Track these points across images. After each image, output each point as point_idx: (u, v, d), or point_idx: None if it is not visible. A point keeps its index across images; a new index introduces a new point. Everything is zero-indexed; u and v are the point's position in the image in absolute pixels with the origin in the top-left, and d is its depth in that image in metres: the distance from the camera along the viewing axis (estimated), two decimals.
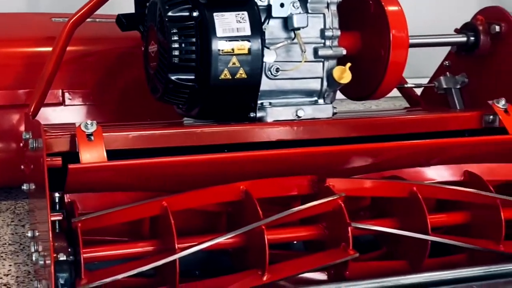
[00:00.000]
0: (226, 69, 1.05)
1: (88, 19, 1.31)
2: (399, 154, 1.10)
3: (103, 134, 0.96)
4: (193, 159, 0.96)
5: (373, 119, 1.19)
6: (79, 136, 0.94)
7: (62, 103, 1.49)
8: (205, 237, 0.95)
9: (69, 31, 1.33)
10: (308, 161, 1.05)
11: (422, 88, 1.49)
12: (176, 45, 1.05)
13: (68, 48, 1.30)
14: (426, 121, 1.21)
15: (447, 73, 1.40)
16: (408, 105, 1.51)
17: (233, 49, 1.05)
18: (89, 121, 0.96)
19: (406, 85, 1.44)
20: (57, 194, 0.93)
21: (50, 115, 1.45)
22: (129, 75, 1.49)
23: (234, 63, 1.05)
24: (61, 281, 0.82)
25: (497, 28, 1.29)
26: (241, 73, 1.06)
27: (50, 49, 1.31)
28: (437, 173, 1.13)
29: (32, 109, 1.22)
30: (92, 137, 0.95)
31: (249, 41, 1.06)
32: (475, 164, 1.14)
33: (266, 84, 1.12)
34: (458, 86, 1.38)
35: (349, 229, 0.97)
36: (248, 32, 1.06)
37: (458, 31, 1.36)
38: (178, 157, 0.95)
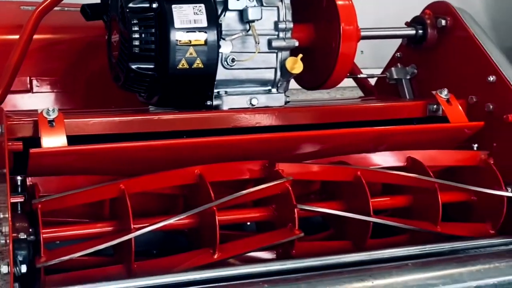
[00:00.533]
0: (183, 59, 1.11)
1: (56, 8, 1.35)
2: (346, 141, 1.17)
3: (65, 120, 1.01)
4: (148, 144, 1.02)
5: (322, 108, 1.26)
6: (41, 122, 0.99)
7: (30, 90, 1.53)
8: (159, 218, 1.01)
9: (36, 20, 1.37)
10: (260, 147, 1.11)
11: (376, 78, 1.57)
12: (136, 35, 1.10)
13: (36, 36, 1.34)
14: (374, 109, 1.29)
15: (398, 64, 1.48)
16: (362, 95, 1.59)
17: (190, 40, 1.10)
18: (50, 108, 1.01)
19: (359, 76, 1.52)
20: (19, 177, 0.98)
21: (18, 102, 1.49)
22: (96, 63, 1.53)
23: (191, 53, 1.11)
24: (20, 258, 0.87)
25: (443, 22, 1.36)
26: (198, 63, 1.12)
27: (17, 37, 1.36)
28: (383, 159, 1.21)
29: None
30: (54, 123, 1.00)
31: (205, 32, 1.11)
32: (419, 150, 1.22)
33: (222, 73, 1.17)
34: (408, 77, 1.46)
35: (295, 210, 1.04)
36: (204, 23, 1.11)
37: (408, 24, 1.43)
38: (135, 142, 1.01)
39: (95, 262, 1.01)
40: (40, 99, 1.52)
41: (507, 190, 1.19)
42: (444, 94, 1.27)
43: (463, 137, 1.26)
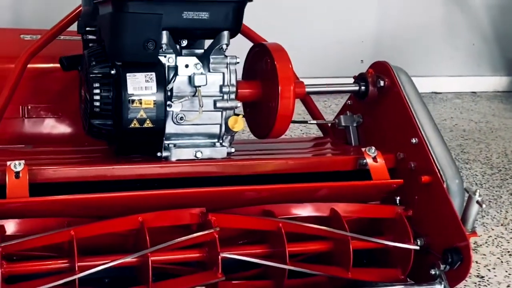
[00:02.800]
0: (135, 119, 1.29)
1: None
2: (275, 194, 1.35)
3: (29, 170, 1.22)
4: (94, 197, 1.22)
5: (257, 161, 1.42)
6: (9, 174, 1.20)
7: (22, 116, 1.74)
8: (106, 257, 1.21)
9: (25, 61, 1.58)
10: (197, 197, 1.30)
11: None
12: (97, 97, 1.29)
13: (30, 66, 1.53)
14: (310, 163, 1.45)
15: (347, 111, 1.64)
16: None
17: (141, 103, 1.29)
18: (17, 162, 1.21)
19: (310, 122, 1.70)
20: None
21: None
22: None
23: (141, 115, 1.30)
24: None
25: (382, 82, 1.52)
26: (148, 123, 1.30)
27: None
28: (309, 209, 1.38)
29: None
30: (20, 175, 1.20)
31: (154, 97, 1.30)
32: (342, 203, 1.39)
33: (173, 128, 1.36)
34: (355, 124, 1.62)
35: (219, 257, 1.23)
36: (154, 90, 1.29)
37: (354, 79, 1.59)
38: (81, 195, 1.21)
39: None
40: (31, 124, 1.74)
41: (416, 242, 1.37)
42: (371, 152, 1.44)
43: (386, 191, 1.43)
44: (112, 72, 1.29)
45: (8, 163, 1.22)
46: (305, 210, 1.38)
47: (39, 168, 1.26)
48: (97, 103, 1.29)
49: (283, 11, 3.28)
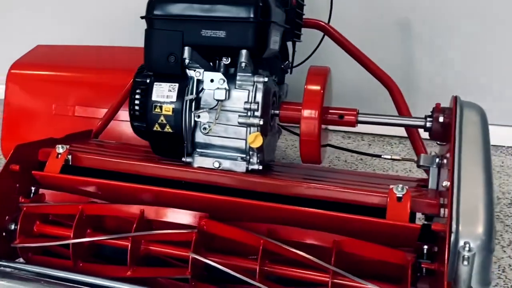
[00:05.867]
0: (157, 123, 1.45)
1: None
2: (277, 214, 1.33)
3: (69, 153, 1.48)
4: (101, 182, 1.42)
5: (272, 181, 1.40)
6: (52, 154, 1.48)
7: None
8: (98, 234, 1.40)
9: None
10: (201, 201, 1.37)
11: None
12: (136, 102, 1.49)
13: None
14: (327, 192, 1.37)
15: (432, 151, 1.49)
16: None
17: (161, 110, 1.44)
18: (62, 146, 1.49)
19: (383, 156, 1.59)
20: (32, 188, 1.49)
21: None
22: None
23: (162, 120, 1.45)
24: None
25: (441, 118, 1.39)
26: (168, 128, 1.45)
27: None
28: (311, 236, 1.30)
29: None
30: (59, 156, 1.48)
31: (173, 105, 1.44)
32: (348, 238, 1.27)
33: (201, 137, 1.47)
34: (434, 166, 1.44)
35: (190, 256, 1.29)
36: (174, 99, 1.43)
37: None
38: (92, 179, 1.43)
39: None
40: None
41: None
42: (399, 190, 1.30)
43: (406, 235, 1.26)
44: (148, 81, 1.48)
45: (57, 146, 1.50)
46: (309, 236, 1.31)
47: (78, 153, 1.51)
48: (136, 107, 1.49)
49: None
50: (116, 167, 1.49)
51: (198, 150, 1.48)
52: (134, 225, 1.36)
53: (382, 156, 1.60)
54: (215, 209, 1.38)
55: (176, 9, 1.40)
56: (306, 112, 1.39)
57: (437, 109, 1.43)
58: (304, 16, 1.84)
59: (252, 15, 1.37)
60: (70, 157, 1.50)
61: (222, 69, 1.47)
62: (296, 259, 1.29)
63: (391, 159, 1.59)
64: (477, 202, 1.21)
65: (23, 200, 1.45)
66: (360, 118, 1.48)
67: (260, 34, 1.39)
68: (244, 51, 1.40)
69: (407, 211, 1.28)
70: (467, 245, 1.13)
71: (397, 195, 1.30)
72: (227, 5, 1.37)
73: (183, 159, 1.48)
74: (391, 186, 1.32)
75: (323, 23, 1.87)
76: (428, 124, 1.43)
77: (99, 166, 1.50)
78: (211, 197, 1.37)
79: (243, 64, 1.41)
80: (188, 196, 1.39)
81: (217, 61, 1.48)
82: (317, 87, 1.41)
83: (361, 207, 1.34)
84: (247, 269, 1.32)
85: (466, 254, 1.11)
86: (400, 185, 1.31)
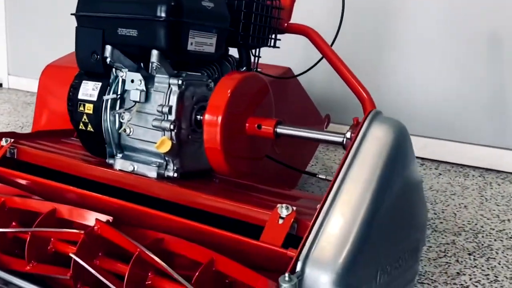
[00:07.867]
0: (81, 122, 1.45)
1: None
2: (164, 224, 1.26)
3: (11, 147, 1.53)
4: (23, 176, 1.44)
5: (169, 188, 1.34)
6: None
7: None
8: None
9: None
10: (109, 205, 1.34)
11: None
12: (68, 99, 1.50)
13: None
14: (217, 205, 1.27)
15: None
16: None
17: (84, 108, 1.44)
18: (5, 139, 1.55)
19: (318, 175, 1.43)
20: None
21: None
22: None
23: (85, 119, 1.44)
24: None
25: (348, 134, 1.20)
26: (90, 127, 1.44)
27: None
28: (190, 250, 1.20)
29: None
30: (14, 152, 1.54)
31: (94, 104, 1.42)
32: (219, 255, 1.15)
33: (126, 140, 1.44)
34: None
35: (72, 258, 1.26)
36: (95, 98, 1.42)
37: None
38: (16, 172, 1.45)
39: None
40: None
41: None
42: (283, 210, 1.16)
43: (281, 261, 1.12)
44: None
45: (3, 139, 1.56)
46: (187, 250, 1.21)
47: (24, 148, 1.55)
48: (69, 103, 1.50)
49: None
50: (49, 164, 1.51)
51: (125, 152, 1.45)
52: (36, 222, 1.36)
53: (317, 176, 1.43)
54: (120, 214, 1.33)
55: (97, 7, 1.39)
56: (207, 117, 1.30)
57: (354, 124, 1.24)
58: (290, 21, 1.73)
59: (162, 14, 1.31)
60: (15, 151, 1.55)
61: (150, 70, 1.43)
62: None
63: (325, 179, 1.42)
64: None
65: None
66: (278, 130, 1.34)
67: (172, 34, 1.33)
68: (155, 52, 1.35)
69: (284, 234, 1.13)
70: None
71: (280, 215, 1.16)
72: (139, 4, 1.33)
73: (106, 160, 1.46)
74: (279, 205, 1.18)
75: (307, 28, 1.73)
76: (342, 140, 1.26)
77: (35, 161, 1.53)
78: (113, 201, 1.33)
79: (154, 65, 1.35)
80: (99, 199, 1.36)
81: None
82: (225, 93, 1.30)
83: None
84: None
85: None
86: (286, 205, 1.16)
